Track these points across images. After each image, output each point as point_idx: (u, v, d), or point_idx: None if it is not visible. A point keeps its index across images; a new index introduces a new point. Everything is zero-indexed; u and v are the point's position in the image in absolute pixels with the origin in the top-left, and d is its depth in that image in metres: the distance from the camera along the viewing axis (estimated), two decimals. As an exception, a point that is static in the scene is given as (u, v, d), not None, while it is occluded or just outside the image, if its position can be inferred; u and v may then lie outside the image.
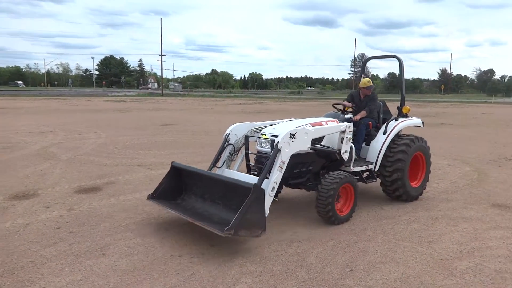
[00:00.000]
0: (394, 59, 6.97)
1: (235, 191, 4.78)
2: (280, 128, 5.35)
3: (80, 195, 6.54)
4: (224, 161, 5.74)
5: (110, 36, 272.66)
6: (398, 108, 6.91)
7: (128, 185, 7.23)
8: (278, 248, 4.55)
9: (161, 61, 73.16)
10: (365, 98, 6.75)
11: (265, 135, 5.36)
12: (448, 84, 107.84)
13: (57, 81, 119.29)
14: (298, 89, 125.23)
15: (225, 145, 5.75)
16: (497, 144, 13.06)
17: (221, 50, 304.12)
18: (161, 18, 73.40)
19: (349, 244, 4.69)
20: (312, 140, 5.28)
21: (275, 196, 4.96)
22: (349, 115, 6.50)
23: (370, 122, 6.48)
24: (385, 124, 6.43)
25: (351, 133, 5.81)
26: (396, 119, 6.54)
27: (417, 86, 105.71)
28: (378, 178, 6.39)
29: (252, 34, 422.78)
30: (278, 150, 4.82)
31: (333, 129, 5.71)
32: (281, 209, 5.94)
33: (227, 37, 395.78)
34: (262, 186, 4.58)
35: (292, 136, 4.93)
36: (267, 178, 4.77)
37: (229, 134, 5.81)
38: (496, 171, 8.92)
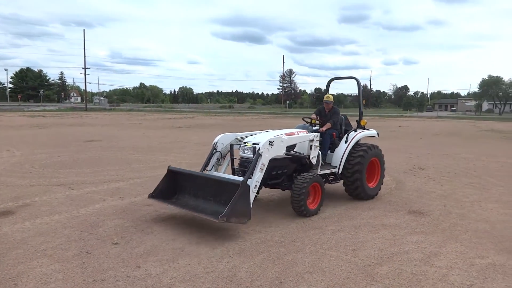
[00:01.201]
0: (353, 79, 8.34)
1: (225, 188, 5.70)
2: (260, 137, 6.30)
3: (-11, 220, 5.92)
4: (213, 165, 6.68)
5: (26, 47, 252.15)
6: (357, 121, 8.03)
7: (46, 207, 6.70)
8: (209, 265, 4.47)
9: (85, 74, 69.44)
10: (329, 112, 7.81)
11: (247, 143, 6.30)
12: (369, 99, 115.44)
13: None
14: (229, 104, 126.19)
15: (213, 152, 6.73)
16: (412, 155, 14.17)
17: (149, 64, 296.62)
18: (84, 30, 69.87)
19: (278, 257, 4.75)
20: (287, 147, 6.32)
21: (257, 192, 5.93)
22: (316, 127, 7.49)
23: (334, 133, 7.54)
24: (346, 134, 7.55)
25: (318, 141, 6.92)
26: (355, 130, 7.70)
27: (342, 101, 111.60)
28: (341, 180, 7.42)
29: (181, 48, 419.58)
30: (259, 155, 5.83)
31: (303, 138, 6.77)
32: (212, 223, 5.87)
33: (155, 51, 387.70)
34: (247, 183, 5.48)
35: (270, 144, 5.98)
36: (251, 178, 5.66)
37: (216, 142, 6.80)
38: (411, 180, 9.65)
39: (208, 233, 5.53)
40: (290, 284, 4.06)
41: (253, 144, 6.17)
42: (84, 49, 68.25)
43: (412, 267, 4.52)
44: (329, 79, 9.11)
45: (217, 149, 6.75)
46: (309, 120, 7.62)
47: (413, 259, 4.75)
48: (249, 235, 5.45)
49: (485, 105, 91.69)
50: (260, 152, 5.82)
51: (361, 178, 7.24)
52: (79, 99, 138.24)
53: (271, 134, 6.38)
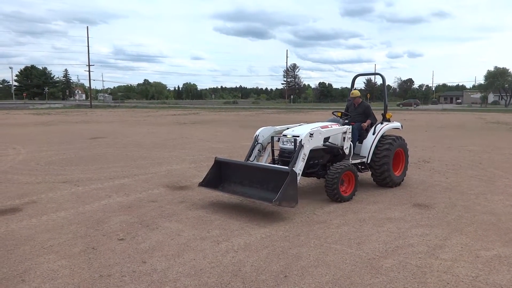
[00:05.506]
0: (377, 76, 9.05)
1: (272, 176, 6.16)
2: (298, 130, 6.82)
3: (-4, 217, 5.98)
4: (255, 156, 7.20)
5: (30, 44, 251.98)
6: (382, 114, 8.54)
7: (52, 204, 6.75)
8: (214, 260, 4.50)
9: (89, 71, 69.72)
10: (358, 106, 8.36)
11: (287, 135, 6.82)
12: (374, 93, 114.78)
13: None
14: (233, 99, 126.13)
15: (255, 144, 7.26)
16: (417, 148, 14.09)
17: (153, 60, 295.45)
18: (87, 27, 70.14)
19: (283, 251, 4.76)
20: (324, 138, 6.90)
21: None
22: (346, 121, 8.03)
23: (363, 124, 8.03)
24: (374, 127, 8.01)
25: (351, 133, 7.46)
26: (381, 123, 8.17)
27: (346, 95, 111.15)
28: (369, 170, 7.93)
29: (184, 44, 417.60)
30: (301, 146, 6.38)
31: (337, 131, 7.29)
32: (217, 218, 5.90)
33: (158, 47, 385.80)
34: None
35: (311, 135, 6.55)
36: (294, 167, 6.14)
37: (258, 135, 7.34)
38: (416, 173, 9.62)
39: (213, 228, 5.55)
40: (295, 278, 4.07)
41: (293, 136, 6.68)
42: (88, 46, 68.57)
43: (417, 259, 4.51)
44: (354, 75, 9.56)
45: (259, 141, 7.28)
46: (339, 114, 8.29)
47: (418, 251, 4.74)
48: (254, 230, 5.47)
49: (491, 97, 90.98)
50: (302, 143, 6.37)
51: (389, 168, 7.76)
52: (83, 96, 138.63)
53: (309, 127, 6.88)
